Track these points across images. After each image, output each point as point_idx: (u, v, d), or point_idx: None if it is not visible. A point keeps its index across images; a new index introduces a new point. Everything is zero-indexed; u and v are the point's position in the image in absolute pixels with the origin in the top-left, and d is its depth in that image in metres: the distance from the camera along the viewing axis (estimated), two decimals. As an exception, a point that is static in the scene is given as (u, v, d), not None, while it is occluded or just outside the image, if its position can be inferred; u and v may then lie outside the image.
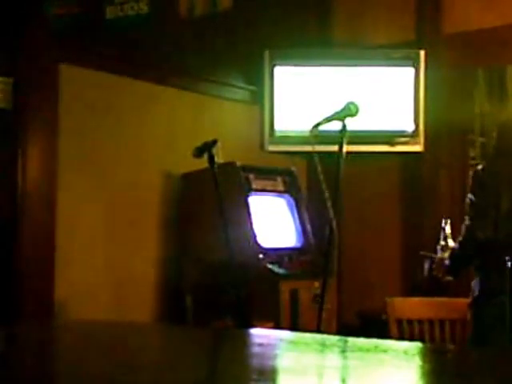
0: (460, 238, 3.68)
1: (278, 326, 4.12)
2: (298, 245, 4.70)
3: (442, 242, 3.83)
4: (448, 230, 3.85)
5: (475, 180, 3.65)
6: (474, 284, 3.63)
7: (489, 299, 3.54)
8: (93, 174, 4.25)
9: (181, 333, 2.56)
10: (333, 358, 2.02)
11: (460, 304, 3.75)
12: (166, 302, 4.54)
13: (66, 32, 4.27)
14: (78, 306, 4.00)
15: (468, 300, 3.69)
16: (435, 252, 3.88)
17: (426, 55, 5.01)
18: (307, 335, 2.43)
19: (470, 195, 3.64)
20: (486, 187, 3.62)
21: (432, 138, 5.02)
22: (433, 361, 2.01)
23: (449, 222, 3.88)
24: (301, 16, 5.35)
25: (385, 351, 2.02)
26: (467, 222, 3.63)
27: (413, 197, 5.23)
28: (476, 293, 3.60)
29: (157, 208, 4.56)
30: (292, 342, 2.25)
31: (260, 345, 2.23)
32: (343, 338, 2.29)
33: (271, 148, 5.05)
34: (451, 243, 3.79)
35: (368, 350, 2.01)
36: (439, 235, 3.87)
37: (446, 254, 3.78)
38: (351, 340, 2.19)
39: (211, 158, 3.45)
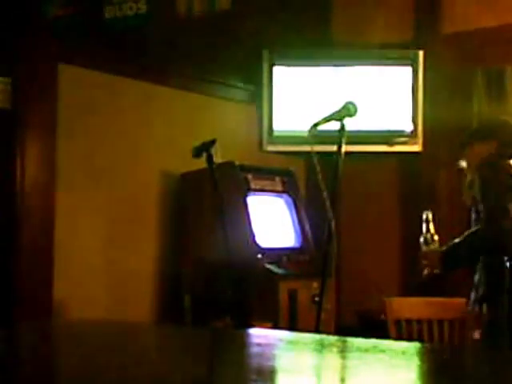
0: (474, 229, 3.59)
1: (276, 326, 4.12)
2: (297, 245, 4.70)
3: (427, 235, 3.77)
4: (431, 223, 3.77)
5: (480, 177, 3.63)
6: (478, 281, 3.61)
7: (500, 297, 3.52)
8: (92, 173, 4.25)
9: (179, 333, 2.56)
10: (331, 358, 2.02)
11: (458, 304, 3.75)
12: (164, 302, 4.54)
13: (65, 32, 4.27)
14: (76, 305, 4.00)
15: (466, 300, 3.69)
16: (418, 245, 3.79)
17: (425, 55, 5.01)
18: (306, 335, 2.43)
19: (476, 192, 3.61)
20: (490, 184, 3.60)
21: (430, 137, 5.02)
22: (431, 361, 2.01)
23: (430, 213, 3.81)
24: (299, 16, 5.35)
25: (383, 351, 2.02)
26: (484, 211, 3.55)
27: (411, 197, 5.23)
28: (482, 290, 3.57)
29: (156, 208, 4.56)
30: (291, 342, 2.26)
31: (259, 345, 2.24)
32: (342, 338, 2.29)
33: (270, 148, 5.06)
34: (436, 237, 3.74)
35: (367, 350, 2.02)
36: (421, 228, 3.79)
37: (433, 247, 3.72)
38: (350, 340, 2.20)
39: (210, 158, 3.45)
